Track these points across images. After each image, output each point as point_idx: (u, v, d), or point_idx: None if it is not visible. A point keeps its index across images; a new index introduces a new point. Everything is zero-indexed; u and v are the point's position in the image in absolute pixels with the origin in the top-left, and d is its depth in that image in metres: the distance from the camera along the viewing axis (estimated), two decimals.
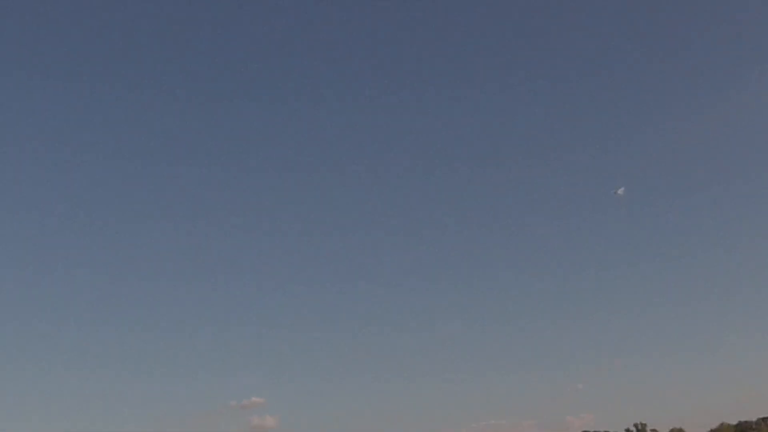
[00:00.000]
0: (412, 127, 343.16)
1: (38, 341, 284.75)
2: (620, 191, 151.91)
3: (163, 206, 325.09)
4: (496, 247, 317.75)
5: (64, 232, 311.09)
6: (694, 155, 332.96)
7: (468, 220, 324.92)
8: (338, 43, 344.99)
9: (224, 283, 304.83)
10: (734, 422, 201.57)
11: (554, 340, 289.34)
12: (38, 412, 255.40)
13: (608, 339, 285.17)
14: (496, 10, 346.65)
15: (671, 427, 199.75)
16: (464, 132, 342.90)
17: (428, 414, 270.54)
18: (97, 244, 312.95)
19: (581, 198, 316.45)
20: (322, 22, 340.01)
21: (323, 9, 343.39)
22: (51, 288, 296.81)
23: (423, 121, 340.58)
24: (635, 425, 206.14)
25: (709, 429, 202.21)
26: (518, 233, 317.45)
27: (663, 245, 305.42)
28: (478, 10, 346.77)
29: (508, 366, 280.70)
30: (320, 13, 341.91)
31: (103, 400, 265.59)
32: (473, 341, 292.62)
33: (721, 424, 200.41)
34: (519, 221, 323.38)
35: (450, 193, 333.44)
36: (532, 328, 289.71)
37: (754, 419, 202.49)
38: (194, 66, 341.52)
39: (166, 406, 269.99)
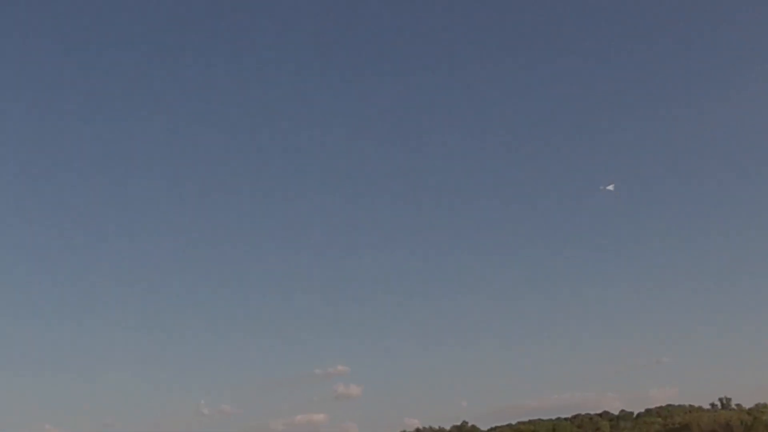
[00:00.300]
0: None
1: (134, 312, 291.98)
2: (610, 187, 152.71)
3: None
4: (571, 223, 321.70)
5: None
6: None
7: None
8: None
9: (315, 252, 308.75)
10: None
11: (638, 313, 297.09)
12: (130, 377, 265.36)
13: (693, 313, 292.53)
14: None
15: (756, 402, 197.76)
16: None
17: (512, 385, 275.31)
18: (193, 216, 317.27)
19: None
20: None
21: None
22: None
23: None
24: (719, 399, 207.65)
25: None
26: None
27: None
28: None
29: (593, 339, 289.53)
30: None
31: (192, 366, 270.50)
32: (558, 313, 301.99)
33: None
34: None
35: None
36: (615, 301, 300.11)
37: None
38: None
39: (251, 372, 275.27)
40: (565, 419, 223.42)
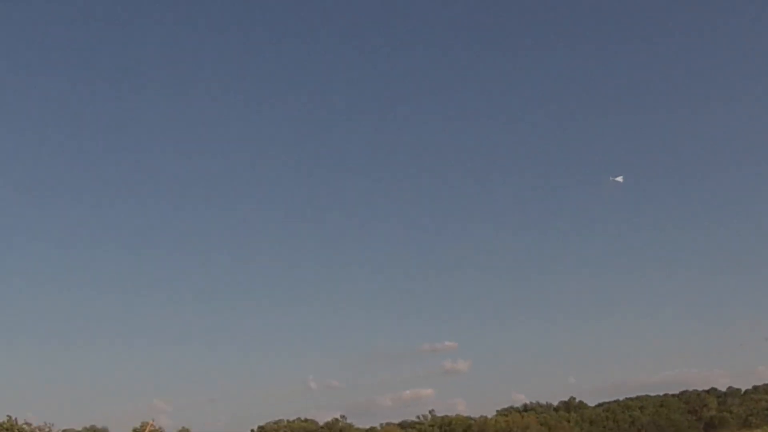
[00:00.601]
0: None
1: (242, 289, 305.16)
2: (618, 179, 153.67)
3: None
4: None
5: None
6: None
7: None
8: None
9: (425, 228, 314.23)
10: None
11: (746, 291, 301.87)
12: (238, 353, 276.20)
13: None
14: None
15: None
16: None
17: (619, 362, 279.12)
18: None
19: None
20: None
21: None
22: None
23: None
24: None
25: None
26: None
27: None
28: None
29: (701, 316, 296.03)
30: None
31: (300, 342, 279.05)
32: (666, 291, 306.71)
33: None
34: None
35: None
36: (724, 280, 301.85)
37: None
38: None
39: (359, 348, 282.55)
40: (673, 396, 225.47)
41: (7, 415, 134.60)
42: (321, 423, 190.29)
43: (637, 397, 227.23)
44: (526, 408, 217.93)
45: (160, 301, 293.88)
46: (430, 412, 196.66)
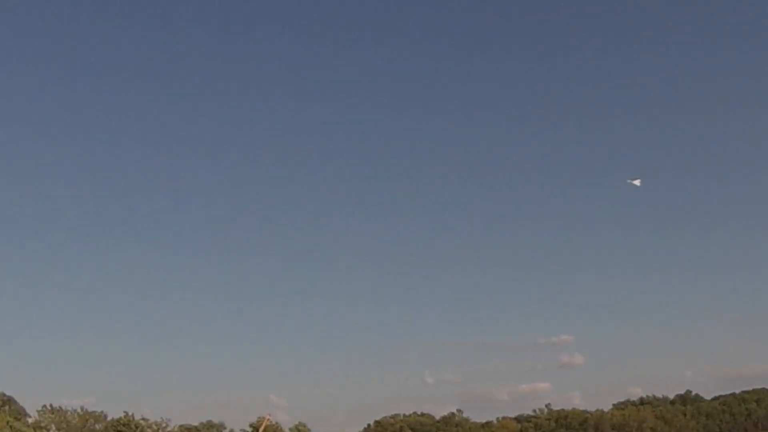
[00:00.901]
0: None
1: (359, 285, 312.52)
2: (636, 182, 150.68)
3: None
4: None
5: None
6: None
7: None
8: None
9: (541, 223, 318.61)
10: None
11: None
12: (354, 348, 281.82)
13: None
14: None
15: None
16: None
17: (736, 354, 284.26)
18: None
19: None
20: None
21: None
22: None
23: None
24: None
25: None
26: None
27: None
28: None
29: None
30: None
31: (416, 336, 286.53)
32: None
33: None
34: None
35: None
36: None
37: None
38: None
39: (475, 342, 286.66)
40: None
41: (124, 412, 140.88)
42: (437, 417, 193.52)
43: (754, 390, 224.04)
44: (642, 401, 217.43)
45: (276, 296, 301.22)
46: (546, 405, 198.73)
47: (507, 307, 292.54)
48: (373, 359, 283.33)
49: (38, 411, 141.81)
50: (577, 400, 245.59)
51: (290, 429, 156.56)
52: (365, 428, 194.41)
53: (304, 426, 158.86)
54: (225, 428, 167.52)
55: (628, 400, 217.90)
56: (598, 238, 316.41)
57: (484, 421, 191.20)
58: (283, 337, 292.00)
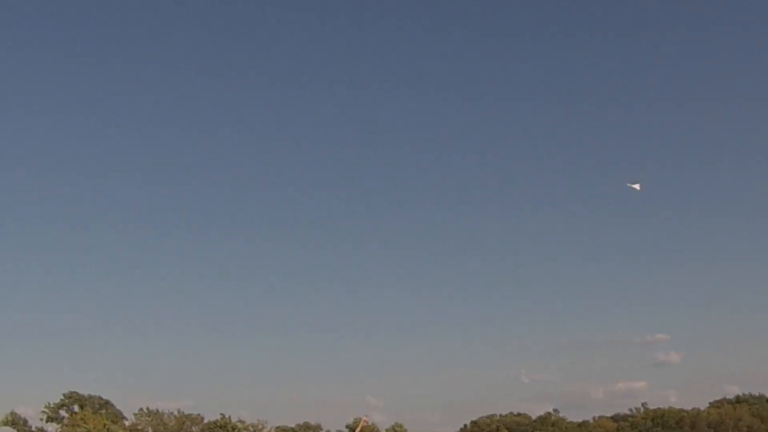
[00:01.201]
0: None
1: (448, 281, 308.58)
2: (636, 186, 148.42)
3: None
4: None
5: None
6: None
7: None
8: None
9: (637, 218, 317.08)
10: None
11: None
12: (452, 348, 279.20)
13: None
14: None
15: None
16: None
17: None
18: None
19: None
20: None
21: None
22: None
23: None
24: None
25: None
26: None
27: None
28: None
29: None
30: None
31: (510, 336, 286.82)
32: None
33: None
34: None
35: None
36: None
37: None
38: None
39: (569, 341, 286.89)
40: None
41: (221, 414, 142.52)
42: (533, 417, 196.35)
43: None
44: (738, 400, 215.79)
45: (375, 295, 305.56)
46: (642, 404, 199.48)
47: (602, 306, 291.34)
48: (470, 359, 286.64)
49: (135, 414, 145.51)
50: (673, 398, 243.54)
51: (387, 430, 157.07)
52: (462, 428, 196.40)
53: (401, 426, 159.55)
54: (321, 429, 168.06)
55: (724, 398, 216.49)
56: (696, 235, 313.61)
57: (580, 420, 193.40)
58: (381, 337, 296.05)
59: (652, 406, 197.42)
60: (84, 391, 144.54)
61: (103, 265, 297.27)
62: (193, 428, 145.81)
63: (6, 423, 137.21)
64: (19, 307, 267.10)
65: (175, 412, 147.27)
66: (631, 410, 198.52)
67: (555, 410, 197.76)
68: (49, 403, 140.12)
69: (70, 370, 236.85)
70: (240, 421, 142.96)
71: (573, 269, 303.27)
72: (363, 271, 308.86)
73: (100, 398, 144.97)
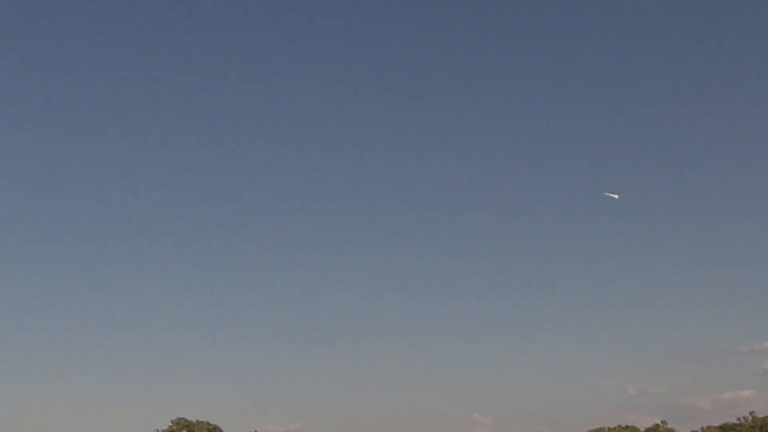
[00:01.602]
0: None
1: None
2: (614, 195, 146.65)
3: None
4: None
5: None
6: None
7: None
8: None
9: (750, 225, 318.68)
10: None
11: None
12: (554, 357, 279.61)
13: None
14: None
15: None
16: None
17: None
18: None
19: None
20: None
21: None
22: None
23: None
24: None
25: None
26: None
27: None
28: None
29: None
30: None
31: (618, 345, 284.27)
32: None
33: None
34: None
35: None
36: None
37: None
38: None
39: (675, 352, 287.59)
40: None
41: None
42: (642, 429, 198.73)
43: None
44: None
45: (480, 313, 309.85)
46: (750, 413, 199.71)
47: (708, 315, 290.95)
48: (576, 371, 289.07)
49: None
50: None
51: None
52: None
53: None
54: None
55: None
56: None
57: (688, 431, 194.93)
58: (486, 355, 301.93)
59: (760, 415, 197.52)
60: (191, 417, 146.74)
61: (212, 286, 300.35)
62: None
63: None
64: (125, 332, 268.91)
65: None
66: (738, 419, 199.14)
67: (663, 422, 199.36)
68: (158, 430, 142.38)
69: (178, 395, 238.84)
70: None
71: (676, 279, 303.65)
72: (468, 286, 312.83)
73: (209, 423, 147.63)
